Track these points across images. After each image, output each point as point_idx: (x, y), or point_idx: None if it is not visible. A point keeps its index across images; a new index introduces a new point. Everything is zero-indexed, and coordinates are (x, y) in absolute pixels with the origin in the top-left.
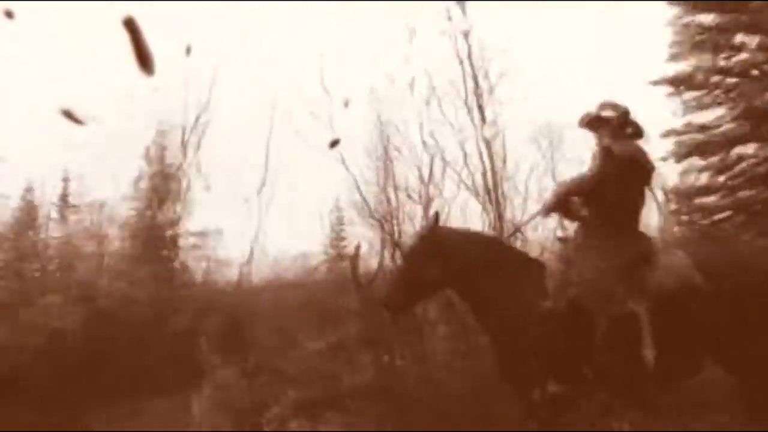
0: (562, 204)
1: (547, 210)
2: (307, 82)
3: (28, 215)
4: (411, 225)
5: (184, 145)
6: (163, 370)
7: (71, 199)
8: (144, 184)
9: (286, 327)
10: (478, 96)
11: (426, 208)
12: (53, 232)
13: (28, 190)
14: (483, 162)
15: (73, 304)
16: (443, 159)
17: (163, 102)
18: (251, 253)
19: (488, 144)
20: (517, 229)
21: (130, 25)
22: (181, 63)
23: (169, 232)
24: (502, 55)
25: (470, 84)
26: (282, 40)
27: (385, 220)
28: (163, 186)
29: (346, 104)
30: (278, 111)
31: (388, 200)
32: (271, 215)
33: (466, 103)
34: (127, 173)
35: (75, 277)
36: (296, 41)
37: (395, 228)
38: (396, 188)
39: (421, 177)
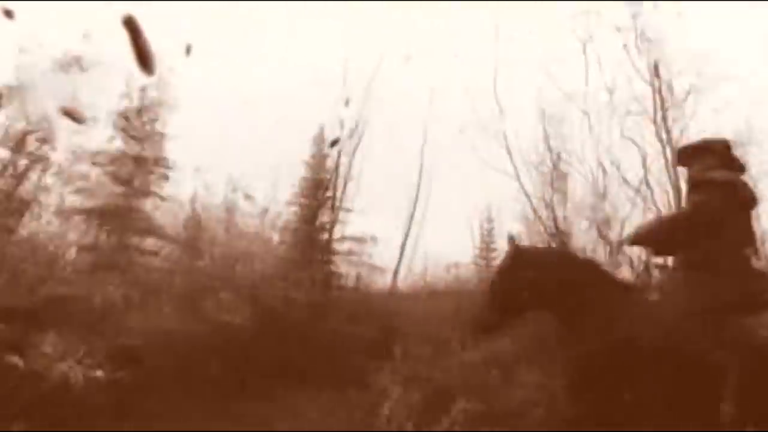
0: (657, 239)
1: (636, 242)
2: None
3: (197, 218)
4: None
5: (339, 151)
6: (317, 370)
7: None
8: (303, 190)
9: (438, 335)
10: (664, 110)
11: (600, 225)
12: (220, 233)
13: (197, 194)
14: (670, 177)
15: (241, 301)
16: (621, 176)
17: (319, 110)
18: (402, 259)
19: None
20: (616, 251)
21: (130, 25)
22: (337, 68)
23: (325, 237)
24: (693, 63)
25: (648, 91)
26: (445, 50)
27: (553, 237)
28: (320, 192)
29: (347, 103)
30: (433, 119)
31: (556, 216)
32: (423, 223)
33: (654, 120)
34: (285, 178)
35: (241, 276)
36: (464, 52)
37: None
38: (566, 203)
39: (595, 193)
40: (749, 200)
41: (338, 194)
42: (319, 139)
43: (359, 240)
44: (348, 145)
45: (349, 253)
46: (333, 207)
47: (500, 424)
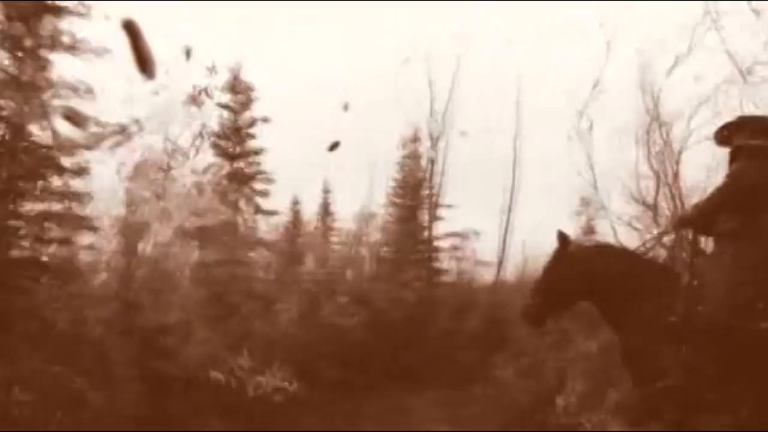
0: (703, 218)
1: (684, 224)
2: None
3: (295, 225)
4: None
5: (431, 148)
6: (429, 367)
7: (332, 209)
8: (398, 190)
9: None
10: None
11: None
12: (317, 239)
13: (295, 203)
14: None
15: (354, 305)
16: None
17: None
18: (504, 251)
19: None
20: (655, 243)
21: (130, 28)
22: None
23: (425, 235)
24: None
25: None
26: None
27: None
28: (417, 191)
29: (345, 107)
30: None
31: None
32: (520, 215)
33: None
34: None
35: (347, 280)
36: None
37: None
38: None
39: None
40: None
41: (434, 191)
42: (411, 139)
43: (461, 235)
44: (438, 142)
45: (453, 249)
46: (431, 205)
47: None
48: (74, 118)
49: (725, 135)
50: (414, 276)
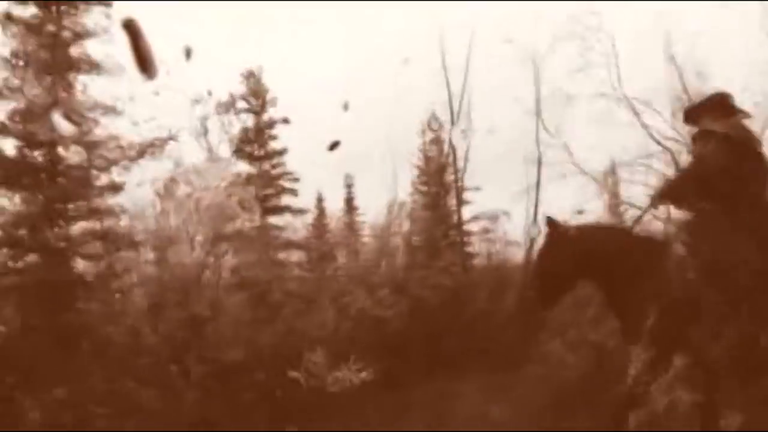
0: (676, 194)
1: (659, 199)
2: None
3: (322, 222)
4: None
5: (451, 131)
6: (472, 351)
7: (356, 203)
8: (422, 177)
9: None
10: None
11: None
12: (346, 233)
13: (319, 200)
14: None
15: (393, 294)
16: None
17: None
18: (534, 231)
19: None
20: (636, 222)
21: (131, 28)
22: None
23: (455, 219)
24: None
25: None
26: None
27: None
28: (440, 177)
29: (346, 107)
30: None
31: None
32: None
33: None
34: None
35: (382, 271)
36: None
37: None
38: None
39: None
40: (751, 145)
41: (459, 175)
42: (431, 124)
43: (491, 217)
44: (459, 125)
45: (484, 231)
46: (457, 189)
47: None
48: (72, 116)
49: (693, 114)
50: (448, 261)
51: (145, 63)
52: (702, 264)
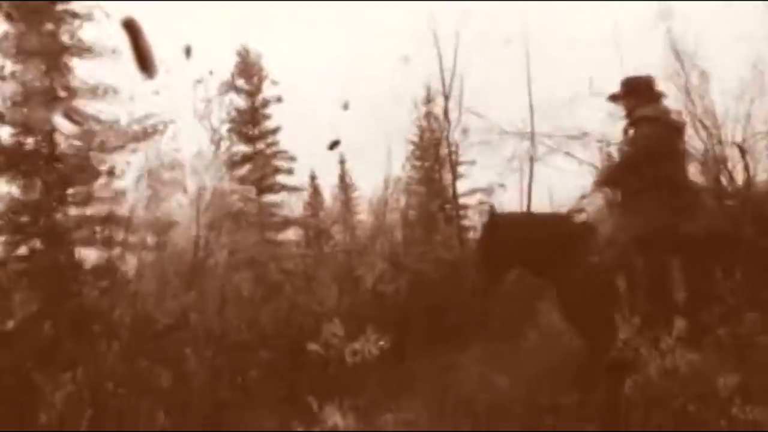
0: (614, 178)
1: (600, 183)
2: None
3: (315, 199)
4: None
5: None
6: (473, 323)
7: (348, 180)
8: (416, 153)
9: None
10: None
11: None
12: (341, 210)
13: (312, 177)
14: None
15: (392, 270)
16: None
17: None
18: (531, 202)
19: None
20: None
21: (130, 26)
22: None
23: (450, 193)
24: None
25: None
26: None
27: None
28: (435, 151)
29: (346, 107)
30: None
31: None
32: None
33: None
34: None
35: (380, 247)
36: None
37: None
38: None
39: None
40: (677, 128)
41: (453, 149)
42: (426, 99)
43: (486, 190)
44: (453, 99)
45: (480, 204)
46: (452, 163)
47: None
48: (73, 116)
49: (617, 96)
50: (446, 235)
51: (145, 62)
52: (633, 238)
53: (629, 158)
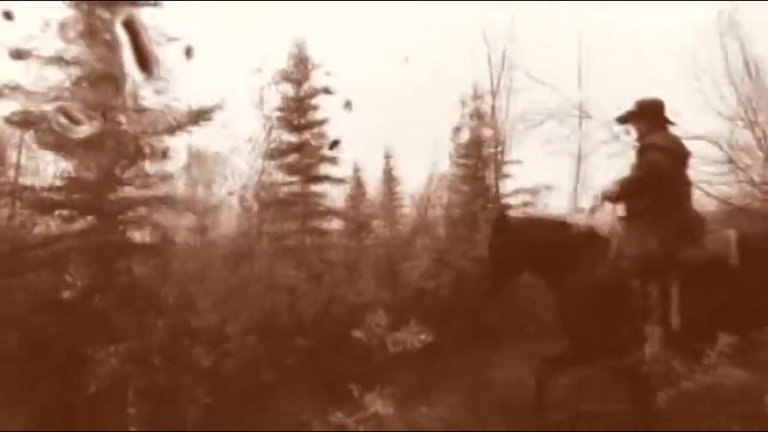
0: (623, 195)
1: (609, 198)
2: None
3: (358, 191)
4: None
5: (493, 106)
6: (511, 323)
7: (394, 173)
8: (460, 150)
9: None
10: None
11: None
12: (385, 204)
13: (356, 170)
14: None
15: (435, 266)
16: None
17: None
18: (576, 203)
19: None
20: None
21: (130, 26)
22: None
23: (494, 193)
24: None
25: None
26: None
27: None
28: (480, 149)
29: (347, 105)
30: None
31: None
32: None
33: None
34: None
35: (423, 242)
36: None
37: None
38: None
39: None
40: (684, 157)
41: (499, 149)
42: (474, 97)
43: (532, 191)
44: (500, 98)
45: (524, 204)
46: (497, 162)
47: None
48: (72, 116)
49: (627, 119)
50: (487, 235)
51: (145, 62)
52: (632, 257)
53: (636, 181)
